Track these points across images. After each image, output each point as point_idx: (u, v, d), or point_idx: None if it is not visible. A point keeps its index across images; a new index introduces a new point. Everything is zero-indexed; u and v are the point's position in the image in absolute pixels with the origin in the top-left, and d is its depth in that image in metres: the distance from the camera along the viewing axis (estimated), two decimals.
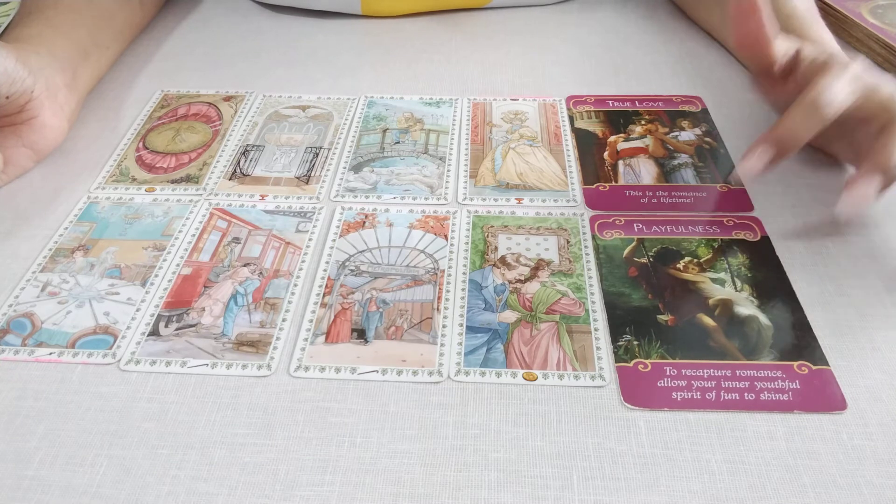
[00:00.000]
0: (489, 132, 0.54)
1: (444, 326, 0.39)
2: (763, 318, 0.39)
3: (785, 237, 0.44)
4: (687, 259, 0.43)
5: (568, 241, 0.44)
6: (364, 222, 0.46)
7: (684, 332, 0.38)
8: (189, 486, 0.32)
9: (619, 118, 0.55)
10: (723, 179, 0.48)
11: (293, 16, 0.70)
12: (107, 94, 0.58)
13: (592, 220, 0.46)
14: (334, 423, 0.35)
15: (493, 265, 0.43)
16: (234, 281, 0.42)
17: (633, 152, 0.52)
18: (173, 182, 0.49)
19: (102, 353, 0.38)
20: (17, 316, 0.40)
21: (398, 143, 0.53)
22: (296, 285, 0.42)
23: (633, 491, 0.32)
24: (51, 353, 0.38)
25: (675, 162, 0.50)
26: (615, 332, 0.38)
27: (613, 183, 0.49)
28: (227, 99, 0.58)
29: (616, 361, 0.37)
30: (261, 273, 0.42)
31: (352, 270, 0.43)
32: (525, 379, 0.36)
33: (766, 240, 0.44)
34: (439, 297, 0.41)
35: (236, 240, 0.45)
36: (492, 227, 0.45)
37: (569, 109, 0.56)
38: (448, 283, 0.42)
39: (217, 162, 0.51)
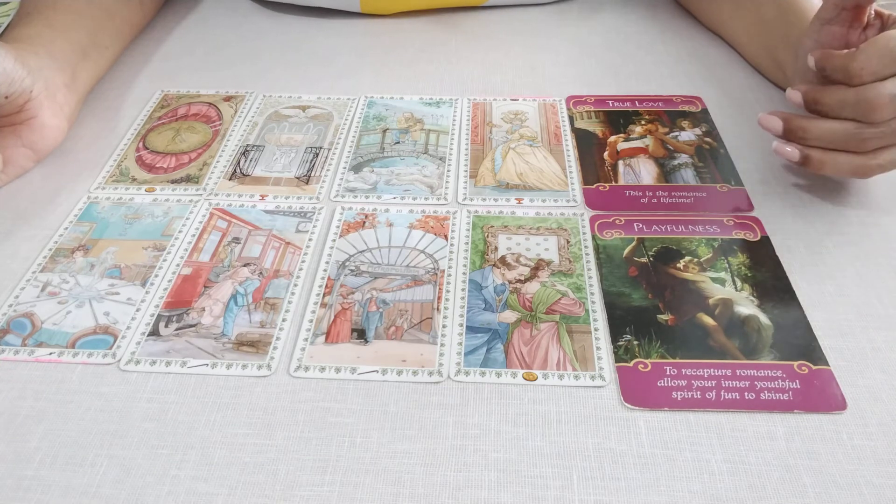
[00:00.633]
0: (489, 132, 0.54)
1: (444, 326, 0.39)
2: (763, 318, 0.39)
3: (785, 237, 0.44)
4: (687, 259, 0.43)
5: (568, 241, 0.44)
6: (364, 222, 0.46)
7: (684, 332, 0.38)
8: (189, 486, 0.32)
9: (619, 118, 0.55)
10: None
11: (293, 16, 0.70)
12: (107, 94, 0.58)
13: (592, 220, 0.46)
14: (334, 423, 0.35)
15: (493, 265, 0.43)
16: (234, 281, 0.42)
17: (633, 152, 0.52)
18: (173, 182, 0.49)
19: (102, 353, 0.38)
20: (17, 316, 0.40)
21: (398, 143, 0.53)
22: (296, 285, 0.42)
23: (633, 491, 0.32)
24: (51, 353, 0.38)
25: (675, 162, 0.50)
26: (615, 331, 0.38)
27: (613, 183, 0.49)
28: (227, 99, 0.58)
29: (616, 361, 0.37)
30: (261, 273, 0.42)
31: (352, 270, 0.43)
32: (525, 379, 0.36)
33: (766, 240, 0.44)
34: (439, 297, 0.41)
35: (236, 240, 0.45)
36: (492, 227, 0.45)
37: (569, 109, 0.56)
38: (448, 283, 0.42)
39: (217, 162, 0.51)
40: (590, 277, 0.42)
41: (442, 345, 0.38)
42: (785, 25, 0.54)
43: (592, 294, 0.41)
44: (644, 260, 0.43)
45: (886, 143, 0.42)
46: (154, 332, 0.39)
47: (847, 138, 0.42)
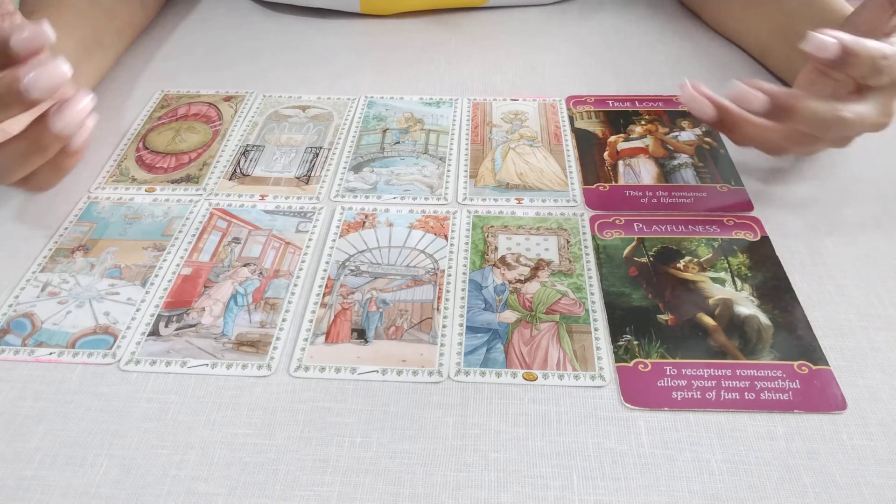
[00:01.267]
0: (489, 132, 0.54)
1: (444, 326, 0.39)
2: (763, 318, 0.39)
3: (785, 237, 0.44)
4: (687, 259, 0.43)
5: (568, 241, 0.44)
6: (364, 222, 0.46)
7: (684, 332, 0.38)
8: (189, 486, 0.32)
9: (619, 118, 0.55)
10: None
11: (293, 16, 0.70)
12: (107, 94, 0.58)
13: (592, 220, 0.46)
14: (334, 423, 0.35)
15: (493, 265, 0.43)
16: (234, 281, 0.42)
17: (633, 152, 0.52)
18: (173, 182, 0.49)
19: (102, 353, 0.38)
20: (17, 316, 0.40)
21: (398, 143, 0.53)
22: (296, 285, 0.42)
23: (633, 491, 0.32)
24: (51, 353, 0.38)
25: (675, 162, 0.50)
26: (615, 331, 0.38)
27: (613, 183, 0.49)
28: (227, 99, 0.58)
29: (616, 361, 0.37)
30: (261, 273, 0.42)
31: (352, 270, 0.43)
32: (525, 379, 0.36)
33: (766, 240, 0.44)
34: (439, 297, 0.41)
35: (236, 240, 0.45)
36: (492, 227, 0.45)
37: (569, 109, 0.56)
38: (448, 283, 0.42)
39: (217, 162, 0.51)
40: (590, 277, 0.42)
41: (442, 345, 0.38)
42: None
43: (592, 294, 0.41)
44: (644, 260, 0.43)
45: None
46: (154, 332, 0.39)
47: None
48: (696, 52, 0.64)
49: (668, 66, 0.62)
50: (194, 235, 0.45)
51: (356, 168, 0.51)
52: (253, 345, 0.38)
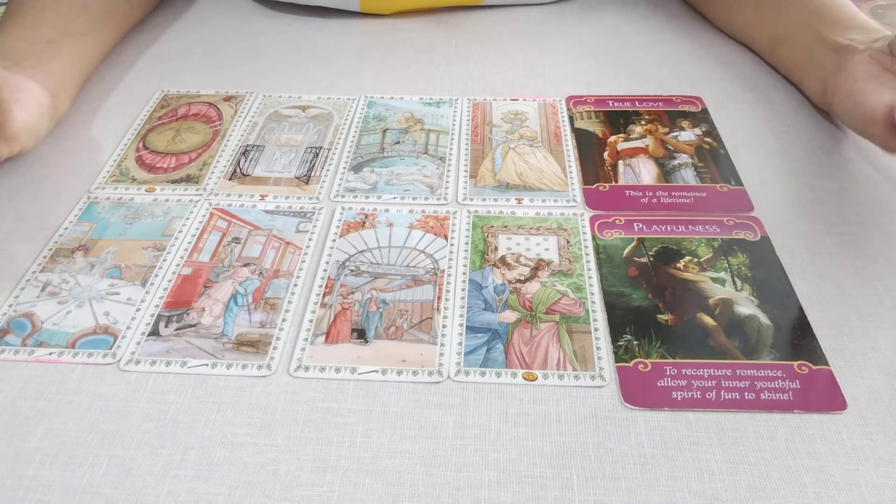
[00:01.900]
0: (489, 132, 0.54)
1: (444, 326, 0.39)
2: (763, 318, 0.39)
3: (785, 237, 0.44)
4: (687, 259, 0.43)
5: (568, 241, 0.44)
6: (364, 222, 0.46)
7: (684, 332, 0.38)
8: (189, 486, 0.32)
9: (619, 118, 0.55)
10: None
11: (293, 16, 0.70)
12: (107, 94, 0.58)
13: (592, 219, 0.46)
14: (334, 423, 0.35)
15: (493, 265, 0.43)
16: (234, 281, 0.42)
17: (633, 152, 0.52)
18: (173, 182, 0.49)
19: (102, 353, 0.38)
20: (17, 316, 0.40)
21: (398, 143, 0.53)
22: (296, 285, 0.42)
23: (633, 491, 0.32)
24: (51, 353, 0.38)
25: (675, 162, 0.50)
26: (615, 331, 0.38)
27: (613, 183, 0.49)
28: (227, 99, 0.58)
29: (616, 361, 0.37)
30: (261, 273, 0.42)
31: (352, 270, 0.43)
32: (525, 379, 0.36)
33: (766, 240, 0.44)
34: (439, 297, 0.41)
35: (236, 240, 0.45)
36: (492, 227, 0.45)
37: (569, 109, 0.56)
38: (448, 283, 0.42)
39: (217, 162, 0.51)
40: (590, 277, 0.42)
41: (442, 345, 0.38)
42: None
43: (592, 294, 0.41)
44: (644, 260, 0.43)
45: None
46: (154, 332, 0.39)
47: None
48: (697, 51, 0.64)
49: (668, 66, 0.62)
50: (194, 235, 0.45)
51: (356, 168, 0.51)
52: (253, 345, 0.38)
